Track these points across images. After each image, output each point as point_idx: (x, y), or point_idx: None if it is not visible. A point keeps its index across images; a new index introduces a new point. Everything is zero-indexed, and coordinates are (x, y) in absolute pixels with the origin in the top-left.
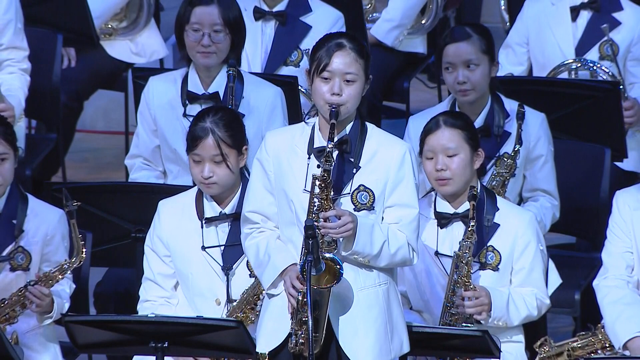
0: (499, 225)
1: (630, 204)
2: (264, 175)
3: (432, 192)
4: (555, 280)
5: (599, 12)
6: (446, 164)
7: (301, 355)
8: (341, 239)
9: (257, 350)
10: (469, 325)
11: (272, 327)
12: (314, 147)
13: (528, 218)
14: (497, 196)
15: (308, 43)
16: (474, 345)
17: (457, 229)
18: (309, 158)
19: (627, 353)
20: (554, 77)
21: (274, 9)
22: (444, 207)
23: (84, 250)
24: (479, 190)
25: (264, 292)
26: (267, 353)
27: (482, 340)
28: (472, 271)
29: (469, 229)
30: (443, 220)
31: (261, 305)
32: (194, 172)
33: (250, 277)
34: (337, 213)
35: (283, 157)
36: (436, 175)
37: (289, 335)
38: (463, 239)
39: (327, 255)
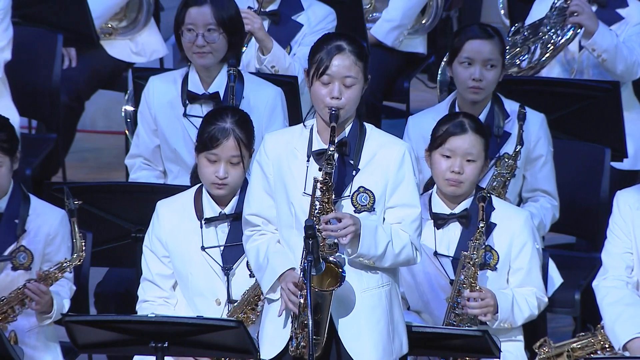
0: (495, 225)
1: (630, 204)
2: (264, 178)
3: (428, 193)
4: (556, 280)
5: (605, 8)
6: (463, 168)
7: (302, 359)
8: (342, 241)
9: (261, 357)
10: (473, 326)
11: (273, 333)
12: (313, 150)
13: (524, 217)
14: (493, 196)
15: (298, 40)
16: (474, 345)
17: (454, 230)
18: (308, 161)
19: (626, 354)
20: (554, 77)
21: (267, 9)
22: (440, 207)
23: (84, 247)
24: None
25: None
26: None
27: (482, 340)
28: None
29: (478, 230)
30: (439, 221)
31: (261, 308)
32: (206, 172)
33: (250, 277)
34: (337, 216)
35: (283, 160)
36: (450, 176)
37: (290, 339)
38: (472, 240)
39: (331, 258)
